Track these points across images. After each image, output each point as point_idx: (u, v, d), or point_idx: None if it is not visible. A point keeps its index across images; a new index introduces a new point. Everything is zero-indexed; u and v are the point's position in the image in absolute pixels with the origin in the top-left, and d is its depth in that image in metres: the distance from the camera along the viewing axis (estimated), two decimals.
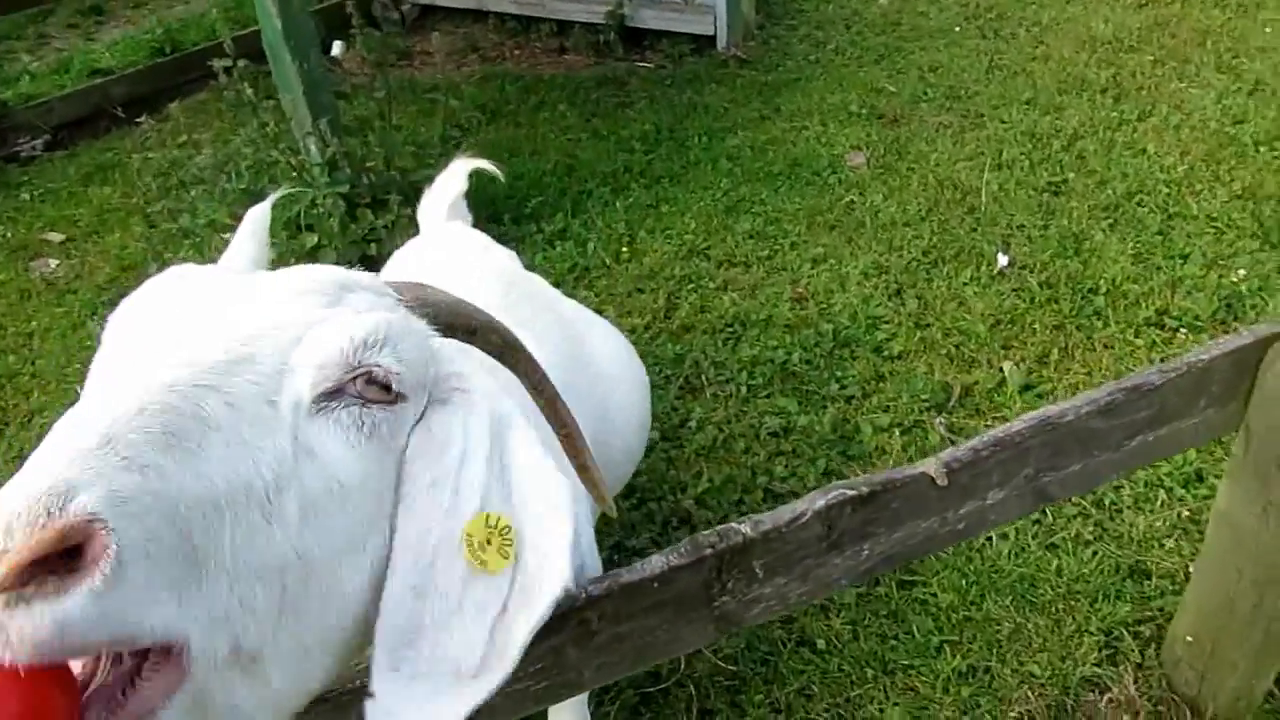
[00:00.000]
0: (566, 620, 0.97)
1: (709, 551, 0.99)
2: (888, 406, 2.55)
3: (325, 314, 0.67)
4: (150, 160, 3.81)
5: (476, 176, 2.15)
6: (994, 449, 1.13)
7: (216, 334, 0.63)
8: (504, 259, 1.74)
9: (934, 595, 2.02)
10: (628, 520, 2.31)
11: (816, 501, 1.04)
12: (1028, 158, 3.60)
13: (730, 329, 2.91)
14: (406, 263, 1.70)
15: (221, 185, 3.42)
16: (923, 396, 2.54)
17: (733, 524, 1.02)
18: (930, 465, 1.11)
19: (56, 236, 3.90)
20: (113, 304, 1.53)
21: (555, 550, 0.66)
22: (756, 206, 3.50)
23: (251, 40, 3.47)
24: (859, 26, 4.93)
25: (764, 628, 1.99)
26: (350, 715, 0.96)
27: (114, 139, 4.59)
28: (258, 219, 2.08)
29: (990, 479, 1.15)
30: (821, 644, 1.95)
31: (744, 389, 2.66)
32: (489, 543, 0.65)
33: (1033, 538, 2.11)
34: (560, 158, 3.96)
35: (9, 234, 3.96)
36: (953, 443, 2.08)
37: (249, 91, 3.18)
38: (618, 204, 3.61)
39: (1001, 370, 2.60)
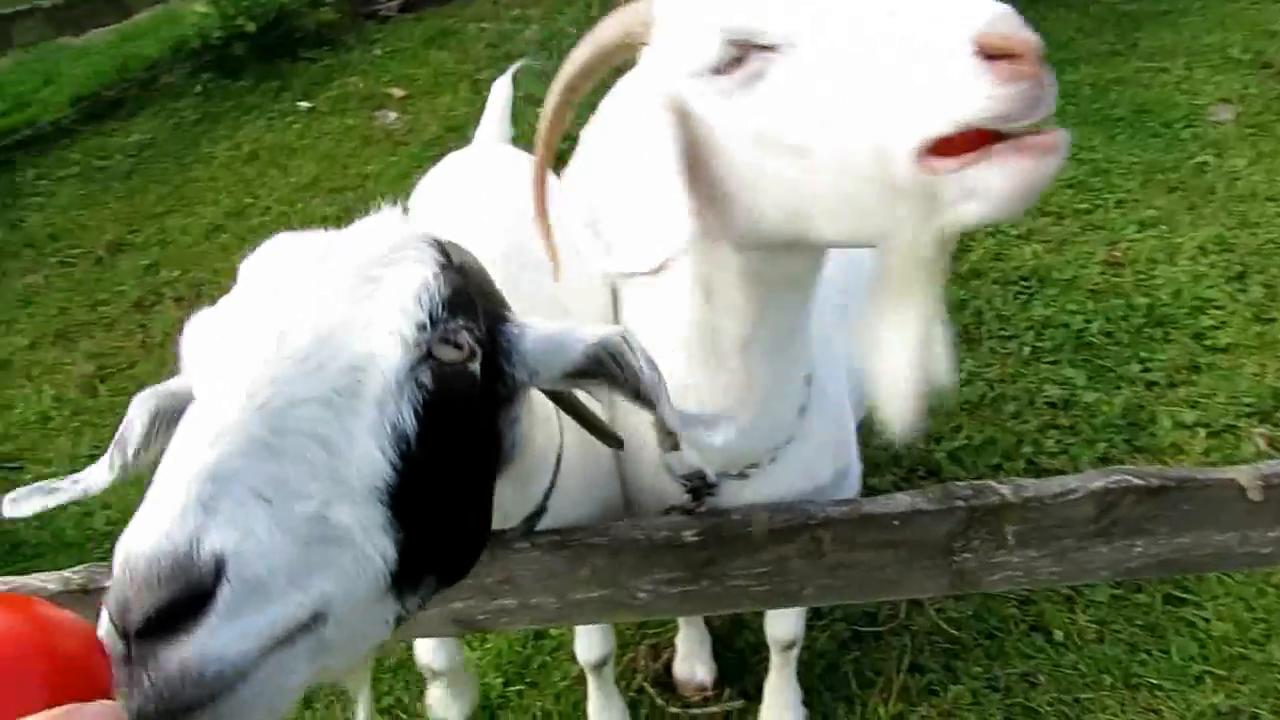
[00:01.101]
0: (800, 533, 0.96)
1: (960, 504, 0.93)
2: (1196, 402, 2.23)
3: None
4: (484, 30, 4.08)
5: None
6: None
7: None
8: None
9: (1206, 620, 1.78)
10: (871, 458, 2.23)
11: (1094, 481, 0.93)
12: None
13: (1025, 283, 2.66)
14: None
15: (543, 61, 3.60)
16: (1245, 399, 2.20)
17: (991, 482, 0.95)
18: (1244, 474, 0.95)
19: (398, 92, 4.31)
20: (437, 160, 1.62)
21: None
22: (1083, 153, 3.13)
23: None
24: None
25: (997, 601, 1.87)
26: (586, 564, 1.00)
27: (456, 7, 4.95)
28: (502, 93, 2.12)
29: None
30: (1059, 635, 1.80)
31: (1027, 350, 2.44)
32: None
33: None
34: None
35: (361, 84, 4.44)
36: (1272, 459, 1.79)
37: None
38: None
39: None
